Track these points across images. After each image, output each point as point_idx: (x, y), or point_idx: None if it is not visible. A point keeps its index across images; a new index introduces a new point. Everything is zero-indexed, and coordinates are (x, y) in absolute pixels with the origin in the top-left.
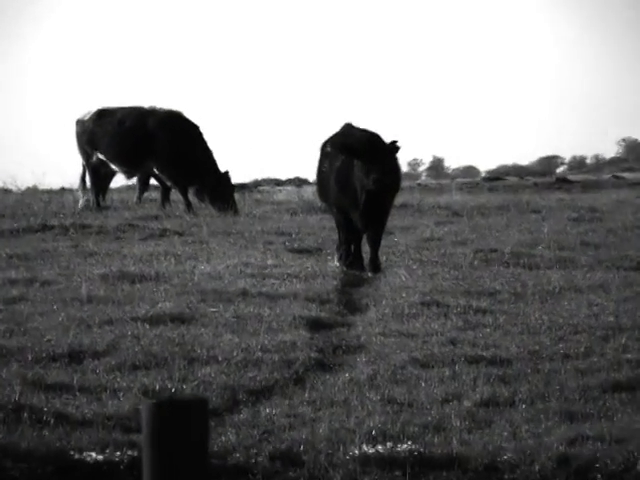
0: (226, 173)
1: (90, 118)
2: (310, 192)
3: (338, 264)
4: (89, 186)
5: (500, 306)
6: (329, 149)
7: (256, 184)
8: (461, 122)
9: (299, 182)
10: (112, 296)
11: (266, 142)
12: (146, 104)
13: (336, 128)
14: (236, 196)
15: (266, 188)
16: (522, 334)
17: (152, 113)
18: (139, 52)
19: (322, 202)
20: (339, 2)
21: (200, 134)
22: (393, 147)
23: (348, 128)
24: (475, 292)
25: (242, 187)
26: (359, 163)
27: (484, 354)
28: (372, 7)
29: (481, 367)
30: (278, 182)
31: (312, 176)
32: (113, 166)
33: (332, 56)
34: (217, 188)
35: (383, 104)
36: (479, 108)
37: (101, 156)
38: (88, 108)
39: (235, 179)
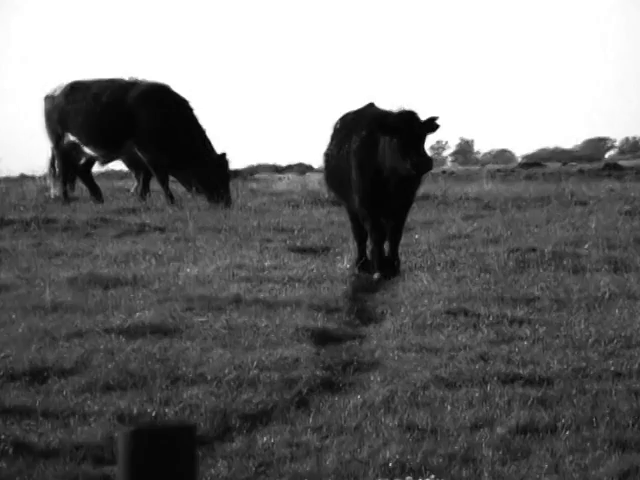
0: (222, 156)
1: (61, 93)
2: (315, 181)
3: (349, 265)
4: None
5: (539, 315)
6: (344, 127)
7: (252, 171)
8: (494, 98)
9: (302, 169)
10: (81, 304)
11: (265, 123)
12: (125, 76)
13: (348, 107)
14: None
15: (264, 176)
16: (565, 348)
17: (133, 86)
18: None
19: (331, 191)
20: None
21: (190, 110)
22: (433, 125)
23: (369, 108)
24: (510, 299)
25: (235, 174)
26: (394, 143)
27: (521, 372)
28: None
29: (517, 387)
30: (278, 169)
31: (318, 162)
32: (87, 149)
33: (345, 32)
34: (210, 174)
35: (402, 79)
36: (514, 83)
37: (73, 138)
38: (59, 82)
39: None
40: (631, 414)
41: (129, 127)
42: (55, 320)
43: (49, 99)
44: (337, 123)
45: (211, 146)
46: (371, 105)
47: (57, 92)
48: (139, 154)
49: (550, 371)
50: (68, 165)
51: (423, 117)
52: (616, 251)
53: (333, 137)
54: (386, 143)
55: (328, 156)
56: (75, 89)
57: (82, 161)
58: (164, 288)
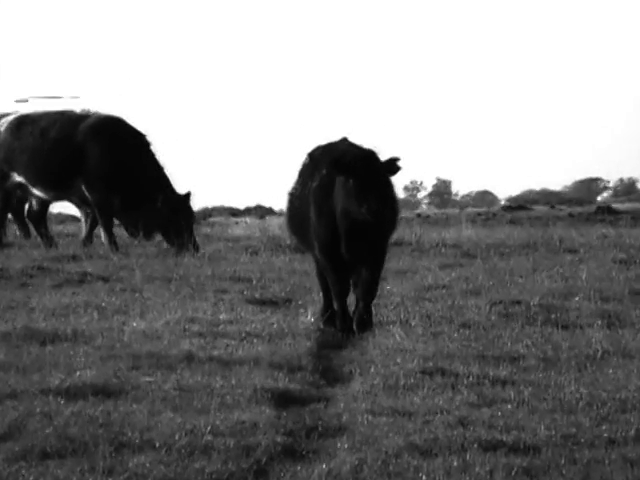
0: (187, 196)
1: (7, 127)
2: (276, 225)
3: (313, 319)
4: (10, 216)
5: (525, 375)
6: (311, 163)
7: (206, 214)
8: (474, 135)
9: (262, 212)
10: (16, 361)
11: (220, 160)
12: (78, 107)
13: (316, 143)
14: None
15: (219, 219)
16: (554, 412)
17: (84, 119)
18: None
19: (293, 237)
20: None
21: (147, 145)
22: (393, 166)
23: (342, 143)
24: (492, 357)
25: None
26: (349, 185)
27: (504, 438)
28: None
29: (500, 456)
30: (234, 212)
31: (278, 204)
32: (35, 191)
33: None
34: (170, 216)
35: (377, 114)
36: (497, 118)
37: (20, 178)
38: (3, 111)
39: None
40: None
41: (79, 165)
42: None
43: None
44: (306, 158)
45: (170, 186)
46: (344, 140)
47: (3, 125)
48: (87, 194)
49: (537, 438)
50: (8, 206)
51: (389, 156)
52: (610, 304)
53: (300, 174)
54: (341, 184)
55: (292, 196)
56: (22, 123)
57: (35, 205)
58: (108, 344)
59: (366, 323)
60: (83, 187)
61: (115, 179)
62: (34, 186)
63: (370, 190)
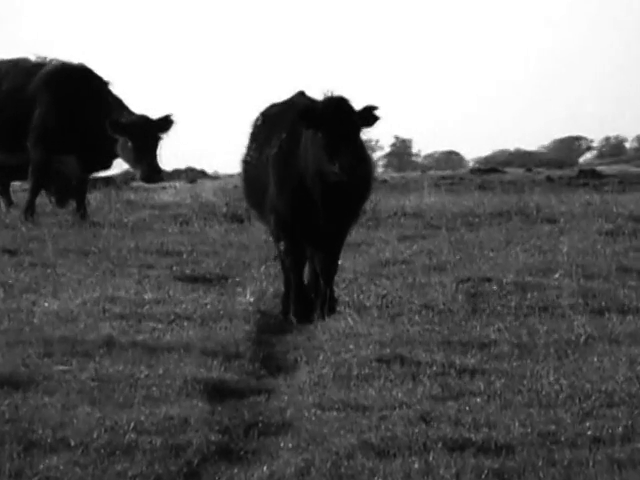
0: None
1: None
2: (210, 189)
3: (252, 299)
4: None
5: (497, 364)
6: (266, 124)
7: (127, 177)
8: (438, 87)
9: (193, 175)
10: None
11: (144, 110)
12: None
13: (263, 98)
14: (98, 197)
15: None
16: (530, 407)
17: (39, 68)
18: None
19: (252, 210)
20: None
21: (108, 94)
22: (370, 116)
23: (300, 98)
24: (459, 343)
25: (106, 182)
26: (318, 139)
27: (472, 437)
28: None
29: (468, 457)
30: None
31: (213, 166)
32: None
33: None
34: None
35: (331, 66)
36: (463, 67)
37: None
38: None
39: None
40: None
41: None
42: None
43: None
44: (257, 119)
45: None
46: (301, 94)
47: None
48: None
49: (510, 436)
50: None
51: (358, 106)
52: (594, 282)
53: (252, 138)
54: (309, 140)
55: (247, 164)
56: None
57: None
58: (15, 328)
59: (332, 305)
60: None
61: (64, 135)
62: None
63: (342, 143)
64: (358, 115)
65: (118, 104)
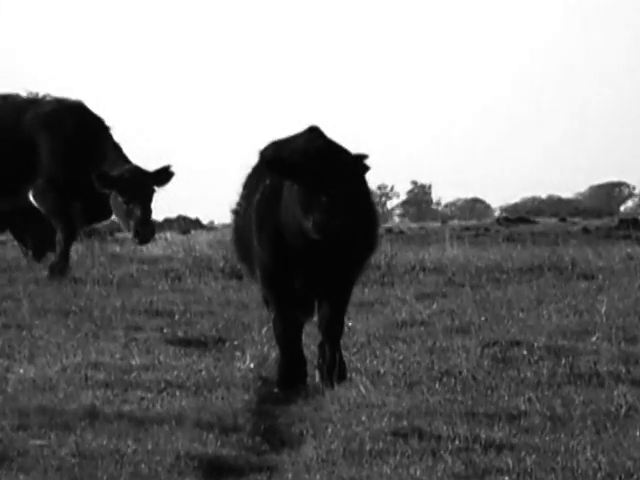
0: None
1: None
2: (205, 241)
3: (253, 365)
4: None
5: (527, 438)
6: (257, 168)
7: (113, 228)
8: (459, 128)
9: (185, 225)
10: None
11: (136, 160)
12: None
13: (270, 137)
14: (79, 249)
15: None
16: None
17: (32, 105)
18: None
19: (241, 264)
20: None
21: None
22: (357, 166)
23: (304, 137)
24: (484, 414)
25: (89, 233)
26: (295, 191)
27: None
28: None
29: None
30: None
31: (208, 215)
32: None
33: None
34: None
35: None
36: (489, 106)
37: None
38: None
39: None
40: None
41: (28, 163)
42: None
43: None
44: (257, 160)
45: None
46: (313, 131)
47: None
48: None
49: None
50: None
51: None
52: (636, 347)
53: (245, 183)
54: (287, 190)
55: (236, 214)
56: None
57: None
58: None
59: (342, 371)
60: (30, 192)
61: (76, 182)
62: None
63: (318, 195)
64: (343, 164)
65: (116, 151)
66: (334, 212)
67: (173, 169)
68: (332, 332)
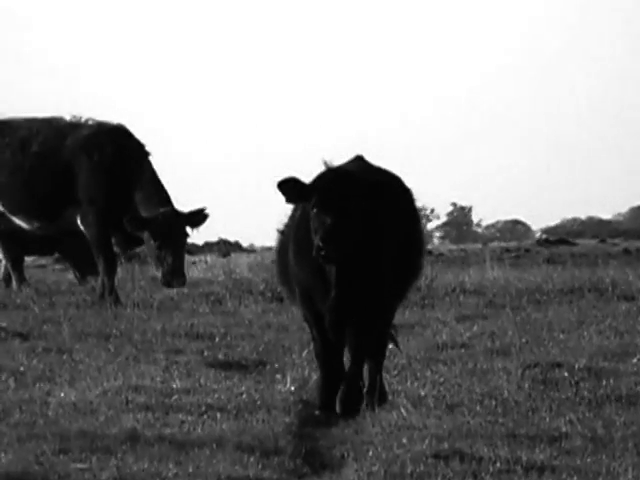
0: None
1: None
2: (245, 264)
3: (294, 387)
4: None
5: (569, 460)
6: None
7: None
8: (500, 151)
9: (226, 249)
10: None
11: (174, 184)
12: (67, 113)
13: (303, 161)
14: (119, 273)
15: None
16: None
17: (75, 129)
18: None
19: (282, 288)
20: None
21: (146, 157)
22: (378, 187)
23: (358, 163)
24: (525, 436)
25: (129, 257)
26: (311, 213)
27: None
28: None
29: None
30: (191, 248)
31: (248, 238)
32: (17, 220)
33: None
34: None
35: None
36: (530, 130)
37: None
38: None
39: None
40: None
41: (69, 188)
42: None
43: None
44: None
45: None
46: (358, 159)
47: None
48: (81, 227)
49: None
50: None
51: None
52: None
53: (296, 207)
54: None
55: (282, 235)
56: None
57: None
58: (28, 421)
59: (383, 394)
60: (78, 218)
61: (117, 206)
62: (15, 215)
63: (323, 218)
64: (356, 188)
65: (153, 182)
66: (332, 236)
67: (207, 212)
68: (375, 354)
